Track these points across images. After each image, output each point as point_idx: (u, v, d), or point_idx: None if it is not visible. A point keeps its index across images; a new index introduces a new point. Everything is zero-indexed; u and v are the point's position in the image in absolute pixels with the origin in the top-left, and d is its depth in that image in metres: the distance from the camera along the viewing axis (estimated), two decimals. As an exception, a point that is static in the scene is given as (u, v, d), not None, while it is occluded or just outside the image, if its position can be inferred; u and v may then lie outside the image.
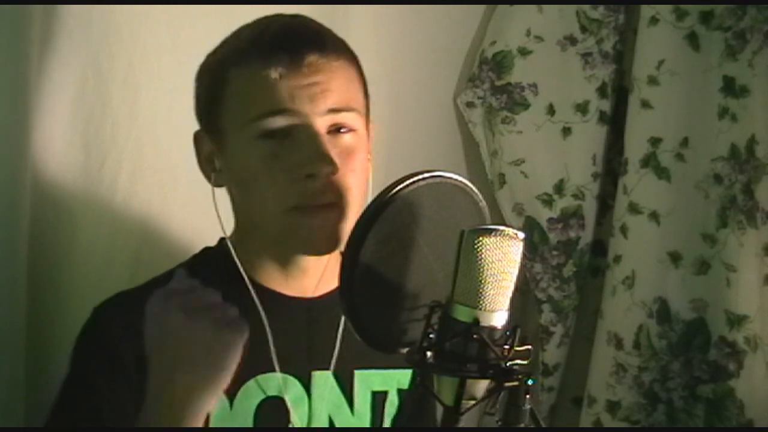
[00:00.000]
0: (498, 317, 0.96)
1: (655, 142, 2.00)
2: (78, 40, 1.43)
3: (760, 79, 1.89)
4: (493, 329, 0.96)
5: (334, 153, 1.18)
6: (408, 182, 1.02)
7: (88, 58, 1.44)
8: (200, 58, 1.49)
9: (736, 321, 1.93)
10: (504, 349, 0.96)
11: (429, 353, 0.98)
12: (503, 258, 0.95)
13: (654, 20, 1.97)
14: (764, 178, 1.89)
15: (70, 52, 1.42)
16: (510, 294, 0.97)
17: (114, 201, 1.49)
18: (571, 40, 2.03)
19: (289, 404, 1.22)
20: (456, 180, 1.07)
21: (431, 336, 0.99)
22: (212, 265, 1.27)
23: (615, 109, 2.09)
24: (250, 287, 1.23)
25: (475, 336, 0.95)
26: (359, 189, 1.22)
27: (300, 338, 1.24)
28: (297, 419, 1.22)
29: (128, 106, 1.48)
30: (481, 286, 0.95)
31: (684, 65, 1.97)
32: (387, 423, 1.30)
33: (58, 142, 1.44)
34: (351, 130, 1.22)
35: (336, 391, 1.26)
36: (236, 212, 1.27)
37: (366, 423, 1.28)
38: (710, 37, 1.94)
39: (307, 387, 1.24)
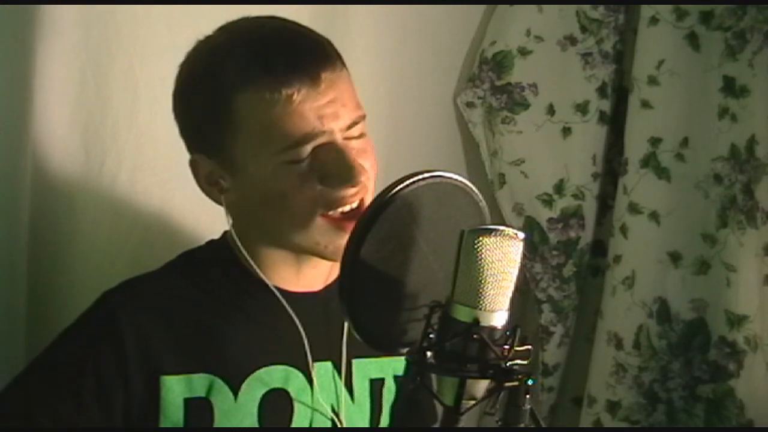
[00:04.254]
0: (498, 317, 0.96)
1: (655, 142, 2.00)
2: (78, 40, 1.43)
3: (760, 79, 1.89)
4: (493, 329, 0.96)
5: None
6: (408, 182, 1.02)
7: (88, 58, 1.44)
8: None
9: (736, 321, 1.93)
10: (504, 349, 0.96)
11: (429, 353, 0.98)
12: (503, 258, 0.95)
13: (654, 20, 1.97)
14: (764, 178, 1.89)
15: (70, 52, 1.42)
16: (510, 294, 0.97)
17: (114, 201, 1.49)
18: (571, 40, 2.03)
19: (292, 396, 1.23)
20: (456, 180, 1.07)
21: (431, 336, 0.99)
22: (216, 258, 1.28)
23: (615, 109, 2.09)
24: (272, 288, 1.24)
25: (475, 336, 0.95)
26: (373, 184, 1.23)
27: (302, 331, 1.24)
28: (300, 410, 1.23)
29: (128, 106, 1.48)
30: (481, 286, 0.95)
31: (684, 65, 1.97)
32: (385, 409, 1.32)
33: (58, 142, 1.44)
34: (362, 134, 1.22)
35: (337, 380, 1.26)
36: (246, 219, 1.24)
37: (366, 411, 1.29)
38: (710, 37, 1.94)
39: (309, 378, 1.24)
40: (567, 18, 2.02)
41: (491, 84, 2.01)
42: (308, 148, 1.16)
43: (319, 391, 1.24)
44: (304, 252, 1.23)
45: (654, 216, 2.01)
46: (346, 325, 1.25)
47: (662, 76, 1.97)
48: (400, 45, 1.89)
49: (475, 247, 0.94)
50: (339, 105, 1.18)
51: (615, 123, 2.08)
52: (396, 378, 1.34)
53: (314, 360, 1.25)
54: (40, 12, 1.36)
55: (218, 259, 1.27)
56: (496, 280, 0.95)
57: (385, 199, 1.01)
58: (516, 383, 0.95)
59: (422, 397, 1.30)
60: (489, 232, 0.95)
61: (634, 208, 2.02)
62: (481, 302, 0.95)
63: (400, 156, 1.86)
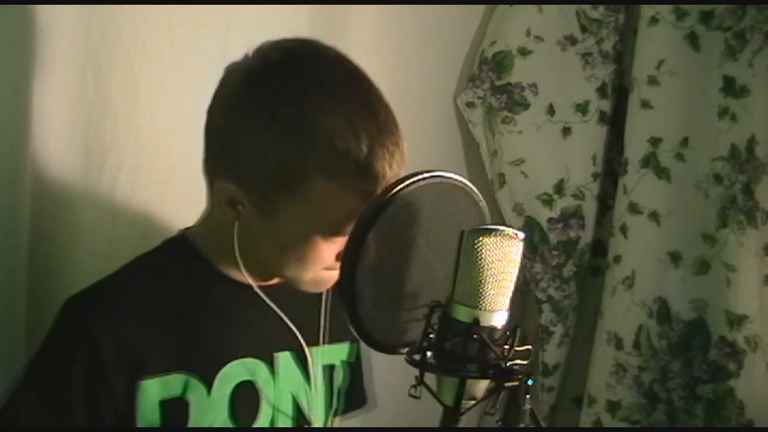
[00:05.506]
0: (498, 317, 0.96)
1: (655, 142, 2.00)
2: (78, 40, 1.42)
3: (760, 79, 1.89)
4: (493, 329, 0.96)
5: None
6: (408, 182, 1.02)
7: (88, 58, 1.44)
8: (199, 58, 1.48)
9: (736, 321, 1.93)
10: (504, 349, 0.96)
11: (429, 353, 0.98)
12: (503, 258, 0.95)
13: (654, 20, 1.97)
14: (764, 178, 1.89)
15: (70, 52, 1.42)
16: (510, 294, 0.97)
17: (114, 201, 1.49)
18: (571, 40, 2.03)
19: (258, 387, 1.25)
20: (456, 180, 1.07)
21: (431, 336, 0.99)
22: (178, 256, 1.27)
23: (615, 109, 2.09)
24: (255, 288, 1.24)
25: (475, 336, 0.95)
26: None
27: (264, 323, 1.25)
28: (266, 400, 1.25)
29: (128, 106, 1.48)
30: (481, 286, 0.95)
31: (684, 65, 1.97)
32: (335, 393, 1.36)
33: (58, 142, 1.43)
34: None
35: (296, 369, 1.28)
36: (247, 242, 1.20)
37: (322, 396, 1.32)
38: (710, 37, 1.94)
39: (272, 369, 1.26)
40: (567, 18, 2.02)
41: (491, 84, 2.01)
42: (348, 230, 1.13)
43: (283, 380, 1.26)
44: (289, 282, 1.23)
45: (654, 216, 2.01)
46: (322, 313, 1.27)
47: (662, 76, 1.98)
48: (400, 45, 1.89)
49: (475, 247, 0.94)
50: None
51: (615, 123, 2.09)
52: (344, 362, 1.37)
53: (276, 350, 1.26)
54: (40, 12, 1.36)
55: (180, 257, 1.26)
56: (496, 280, 0.95)
57: (384, 200, 1.01)
58: (516, 383, 0.95)
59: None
60: (489, 232, 0.95)
61: (634, 208, 2.02)
62: (481, 302, 0.95)
63: (400, 156, 1.86)
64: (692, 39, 1.96)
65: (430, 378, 1.00)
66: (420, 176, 1.03)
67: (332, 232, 1.14)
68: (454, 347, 0.97)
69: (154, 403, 1.17)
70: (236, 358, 1.23)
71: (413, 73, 1.94)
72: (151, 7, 1.48)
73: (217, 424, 1.21)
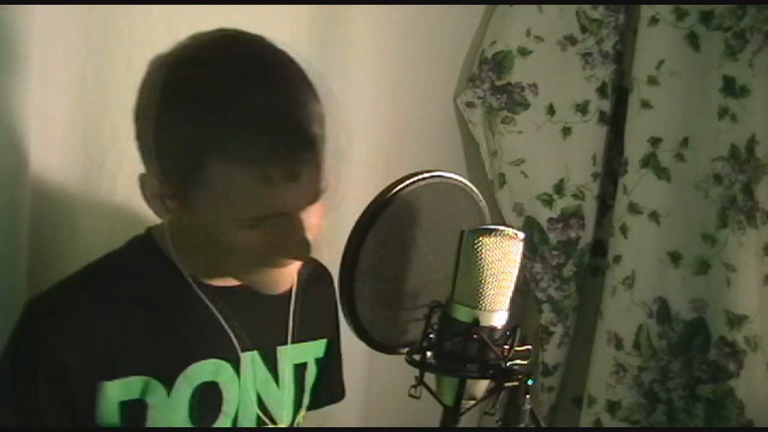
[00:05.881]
0: (498, 317, 0.96)
1: (655, 142, 2.00)
2: (78, 40, 1.43)
3: (760, 79, 1.89)
4: (493, 329, 0.96)
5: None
6: (408, 182, 1.02)
7: (88, 58, 1.44)
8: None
9: (736, 321, 1.93)
10: (504, 349, 0.96)
11: (429, 353, 0.98)
12: (503, 258, 0.95)
13: (654, 20, 1.97)
14: (764, 178, 1.89)
15: (70, 52, 1.42)
16: (510, 294, 0.97)
17: (114, 201, 1.49)
18: (571, 40, 2.03)
19: (221, 387, 1.24)
20: (456, 180, 1.07)
21: (431, 336, 0.99)
22: (141, 255, 1.26)
23: (615, 109, 2.09)
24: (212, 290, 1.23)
25: (475, 336, 0.95)
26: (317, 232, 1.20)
27: (227, 324, 1.24)
28: (228, 401, 1.24)
29: (128, 106, 1.48)
30: (481, 286, 0.95)
31: (684, 65, 1.97)
32: (306, 391, 1.35)
33: (58, 142, 1.43)
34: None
35: (263, 369, 1.27)
36: (186, 237, 1.20)
37: (291, 395, 1.31)
38: (710, 37, 1.94)
39: (237, 369, 1.25)
40: (567, 18, 2.02)
41: (491, 84, 2.01)
42: (269, 222, 1.12)
43: (247, 380, 1.25)
44: (237, 280, 1.22)
45: (654, 216, 2.01)
46: (290, 312, 1.26)
47: (662, 76, 1.98)
48: (400, 45, 1.89)
49: (475, 247, 0.94)
50: (310, 190, 1.11)
51: (615, 123, 2.09)
52: (317, 360, 1.36)
53: (242, 350, 1.25)
54: (40, 12, 1.36)
55: (144, 257, 1.26)
56: (496, 280, 0.95)
57: (384, 200, 1.01)
58: (516, 383, 0.95)
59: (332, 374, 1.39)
60: (489, 232, 0.95)
61: (634, 208, 2.02)
62: (481, 302, 0.95)
63: (400, 156, 1.86)
64: (692, 39, 1.96)
65: (430, 378, 1.00)
66: (420, 176, 1.03)
67: (247, 220, 1.11)
68: (454, 347, 0.97)
69: (114, 404, 1.17)
70: (199, 359, 1.22)
71: (413, 73, 1.94)
72: (151, 7, 1.48)
73: (177, 425, 1.21)
